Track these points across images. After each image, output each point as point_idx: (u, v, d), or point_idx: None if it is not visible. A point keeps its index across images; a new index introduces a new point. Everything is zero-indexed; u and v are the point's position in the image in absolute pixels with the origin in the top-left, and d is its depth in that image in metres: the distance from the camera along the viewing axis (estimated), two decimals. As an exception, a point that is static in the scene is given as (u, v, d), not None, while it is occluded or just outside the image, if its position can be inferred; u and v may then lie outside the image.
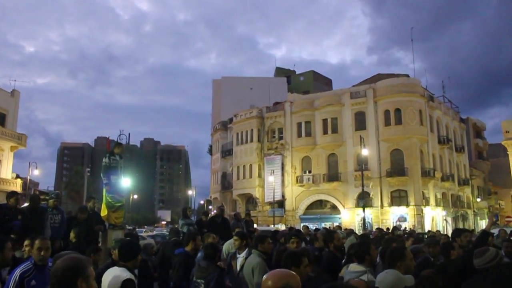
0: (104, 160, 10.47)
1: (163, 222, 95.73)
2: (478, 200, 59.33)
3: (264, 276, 2.41)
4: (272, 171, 50.41)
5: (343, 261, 6.90)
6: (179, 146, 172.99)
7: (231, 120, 59.64)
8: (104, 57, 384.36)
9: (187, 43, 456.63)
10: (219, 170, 61.71)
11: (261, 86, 67.47)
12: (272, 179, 49.62)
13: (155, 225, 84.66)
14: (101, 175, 10.48)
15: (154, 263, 8.42)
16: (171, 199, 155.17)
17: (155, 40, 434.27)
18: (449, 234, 18.86)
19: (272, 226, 36.52)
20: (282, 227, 34.25)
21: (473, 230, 28.75)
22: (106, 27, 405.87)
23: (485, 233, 6.35)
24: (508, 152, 46.82)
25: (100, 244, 9.38)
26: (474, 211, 57.35)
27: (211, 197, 66.42)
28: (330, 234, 7.83)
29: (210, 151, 69.66)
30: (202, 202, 78.38)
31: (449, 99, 58.88)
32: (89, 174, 55.21)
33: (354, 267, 4.81)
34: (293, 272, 2.49)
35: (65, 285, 2.44)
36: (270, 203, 49.59)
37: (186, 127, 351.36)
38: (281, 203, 50.41)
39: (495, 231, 13.95)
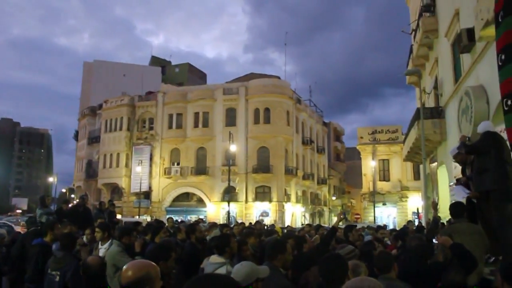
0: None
1: (19, 211, 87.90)
2: (333, 198, 64.29)
3: (124, 267, 2.41)
4: (140, 161, 49.43)
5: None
6: (41, 129, 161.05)
7: (100, 106, 57.18)
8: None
9: (58, 18, 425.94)
10: (84, 158, 58.82)
11: (135, 74, 65.85)
12: (139, 170, 48.66)
13: (9, 213, 77.64)
14: None
15: (4, 255, 7.87)
16: (29, 186, 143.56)
17: (20, 10, 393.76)
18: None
19: (137, 217, 35.90)
20: (147, 218, 33.87)
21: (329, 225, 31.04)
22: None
23: (334, 228, 7.06)
24: (361, 156, 51.12)
25: None
26: (329, 208, 62.00)
27: (74, 185, 62.95)
28: (191, 226, 8.00)
29: (76, 137, 65.95)
30: (64, 190, 73.69)
31: (315, 103, 62.77)
32: None
33: (214, 258, 4.98)
34: (153, 263, 2.49)
35: None
36: (136, 194, 48.58)
37: (51, 110, 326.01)
38: (147, 194, 49.61)
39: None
